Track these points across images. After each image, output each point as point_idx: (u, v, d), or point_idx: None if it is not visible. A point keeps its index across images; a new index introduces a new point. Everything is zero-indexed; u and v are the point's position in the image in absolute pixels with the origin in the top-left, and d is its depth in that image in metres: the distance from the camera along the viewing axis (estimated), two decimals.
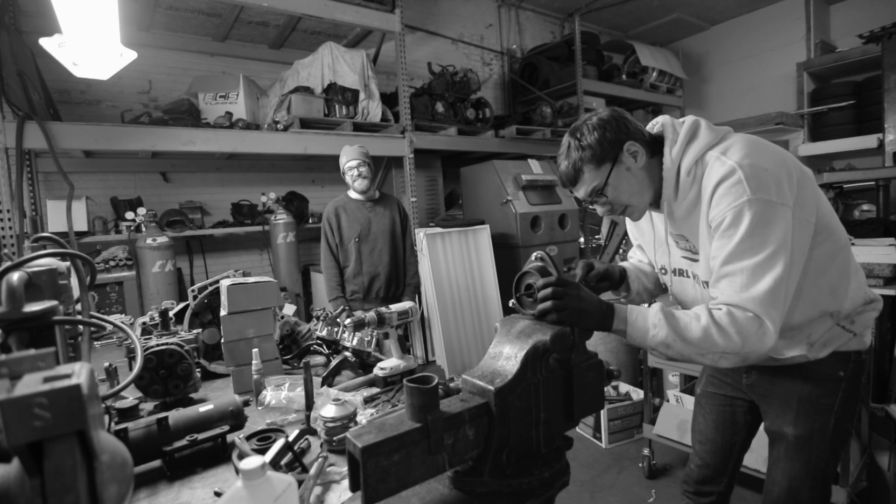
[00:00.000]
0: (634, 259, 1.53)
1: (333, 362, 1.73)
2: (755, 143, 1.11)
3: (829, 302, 1.18)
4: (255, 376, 1.49)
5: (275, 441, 1.10)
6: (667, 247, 1.29)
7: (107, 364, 1.48)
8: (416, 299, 3.76)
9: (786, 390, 1.28)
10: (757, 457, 2.15)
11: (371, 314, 1.66)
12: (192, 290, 1.97)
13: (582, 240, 5.07)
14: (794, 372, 1.26)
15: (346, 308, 2.26)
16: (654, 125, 1.24)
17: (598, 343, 3.34)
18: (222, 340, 1.62)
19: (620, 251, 4.34)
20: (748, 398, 1.42)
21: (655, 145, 1.20)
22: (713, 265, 1.08)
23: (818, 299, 1.17)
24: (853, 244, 2.82)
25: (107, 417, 1.16)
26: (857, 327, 1.21)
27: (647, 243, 1.42)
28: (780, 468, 1.30)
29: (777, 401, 1.30)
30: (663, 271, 1.35)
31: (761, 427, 1.41)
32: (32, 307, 0.73)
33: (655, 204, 1.24)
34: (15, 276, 0.76)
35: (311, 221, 4.53)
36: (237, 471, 0.74)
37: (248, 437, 1.15)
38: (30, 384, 0.45)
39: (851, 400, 1.25)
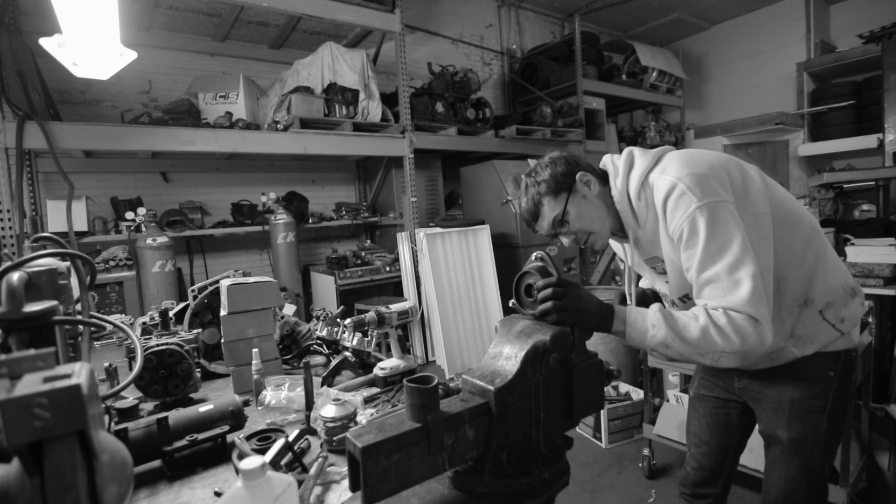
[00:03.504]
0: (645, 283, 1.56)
1: (333, 362, 1.73)
2: (689, 155, 1.17)
3: (809, 290, 1.19)
4: (255, 376, 1.48)
5: (275, 441, 1.10)
6: (634, 274, 1.36)
7: (107, 364, 1.48)
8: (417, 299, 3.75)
9: (777, 393, 1.28)
10: (757, 457, 2.15)
11: (371, 314, 1.66)
12: (192, 290, 1.96)
13: None
14: (785, 374, 1.26)
15: None
16: (602, 165, 1.31)
17: (598, 343, 3.34)
18: (222, 340, 1.62)
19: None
20: (741, 400, 1.42)
21: (606, 177, 1.26)
22: (690, 277, 1.11)
23: (799, 289, 1.19)
24: (853, 244, 2.83)
25: (107, 417, 1.16)
26: (846, 326, 1.22)
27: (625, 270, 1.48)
28: (777, 470, 1.31)
29: (769, 404, 1.31)
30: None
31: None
32: (32, 307, 0.73)
33: (623, 234, 1.28)
34: (15, 276, 0.76)
35: (311, 221, 4.53)
36: (237, 471, 0.74)
37: (248, 437, 1.15)
38: (30, 384, 0.45)
39: (843, 398, 1.26)
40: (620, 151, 1.28)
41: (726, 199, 1.06)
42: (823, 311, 1.20)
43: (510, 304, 1.08)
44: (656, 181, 1.14)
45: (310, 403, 1.30)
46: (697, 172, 1.09)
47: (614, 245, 1.45)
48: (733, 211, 1.06)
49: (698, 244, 1.05)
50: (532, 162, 4.78)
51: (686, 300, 1.24)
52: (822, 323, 1.20)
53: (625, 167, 1.21)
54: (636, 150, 1.24)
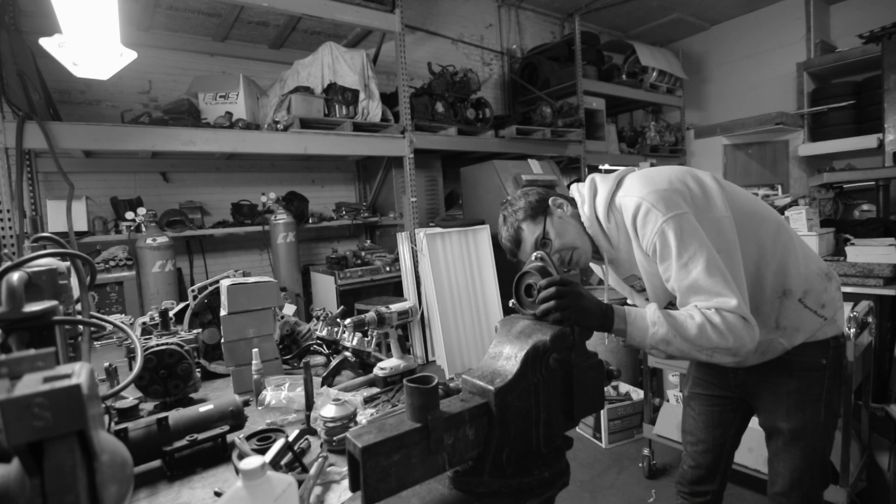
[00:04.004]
0: None
1: (333, 362, 1.73)
2: (648, 174, 1.24)
3: (785, 281, 1.24)
4: (255, 376, 1.48)
5: (275, 441, 1.10)
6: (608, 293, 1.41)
7: (107, 364, 1.48)
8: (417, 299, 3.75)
9: (774, 386, 1.33)
10: (757, 457, 2.15)
11: (371, 314, 1.66)
12: (192, 290, 1.96)
13: None
14: (779, 366, 1.31)
15: None
16: (570, 194, 1.37)
17: (598, 343, 3.34)
18: (222, 340, 1.62)
19: None
20: (735, 396, 1.46)
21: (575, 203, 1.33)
22: (671, 287, 1.15)
23: (776, 281, 1.24)
24: (853, 244, 2.83)
25: (107, 417, 1.16)
26: (827, 312, 1.27)
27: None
28: (781, 461, 1.36)
29: (768, 397, 1.35)
30: None
31: (757, 425, 1.44)
32: (32, 307, 0.73)
33: (599, 256, 1.33)
34: (15, 276, 0.76)
35: (311, 221, 4.53)
36: (237, 471, 0.74)
37: (248, 437, 1.15)
38: (30, 384, 0.45)
39: (836, 383, 1.32)
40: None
41: (688, 211, 1.13)
42: (803, 299, 1.25)
43: (510, 304, 1.08)
44: (623, 202, 1.20)
45: (310, 403, 1.30)
46: (658, 189, 1.16)
47: (594, 267, 1.49)
48: (694, 222, 1.12)
49: (671, 255, 1.11)
50: (531, 162, 4.78)
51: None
52: (804, 311, 1.25)
53: (589, 193, 1.28)
54: (597, 177, 1.32)
